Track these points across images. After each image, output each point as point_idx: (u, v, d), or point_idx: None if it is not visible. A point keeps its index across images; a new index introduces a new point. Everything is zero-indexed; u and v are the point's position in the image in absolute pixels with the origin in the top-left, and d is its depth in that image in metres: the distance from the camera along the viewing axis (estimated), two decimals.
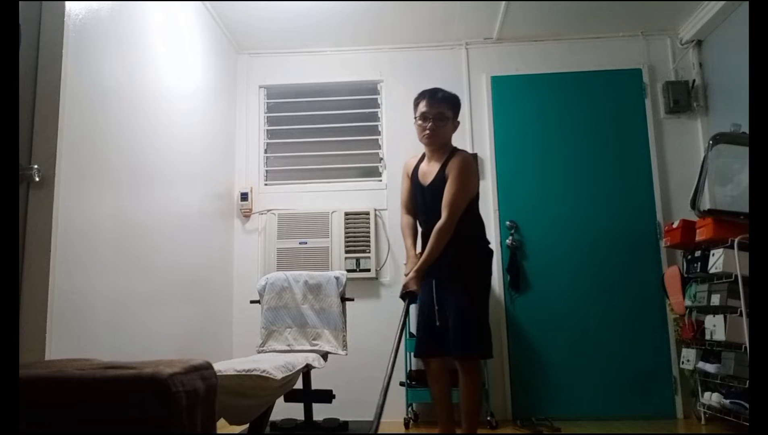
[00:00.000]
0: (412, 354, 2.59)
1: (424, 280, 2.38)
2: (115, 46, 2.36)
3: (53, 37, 1.98)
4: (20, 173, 1.84)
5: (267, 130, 4.04)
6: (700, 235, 3.09)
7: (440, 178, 2.42)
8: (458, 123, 2.55)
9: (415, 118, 2.50)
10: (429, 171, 2.50)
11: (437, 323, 2.38)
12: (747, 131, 3.10)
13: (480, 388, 2.59)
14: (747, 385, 2.78)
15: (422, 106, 2.46)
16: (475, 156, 3.55)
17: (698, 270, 3.10)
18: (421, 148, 2.60)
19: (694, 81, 3.75)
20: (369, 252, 3.70)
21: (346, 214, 3.76)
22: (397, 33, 3.85)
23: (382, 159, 3.90)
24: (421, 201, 2.51)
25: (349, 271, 3.56)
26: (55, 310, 1.87)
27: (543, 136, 3.82)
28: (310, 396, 3.03)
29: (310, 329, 3.06)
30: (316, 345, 3.00)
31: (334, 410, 3.27)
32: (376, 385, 3.52)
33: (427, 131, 2.43)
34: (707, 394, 3.14)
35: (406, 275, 2.40)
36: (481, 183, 3.75)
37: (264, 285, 3.16)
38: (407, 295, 2.35)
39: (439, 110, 2.43)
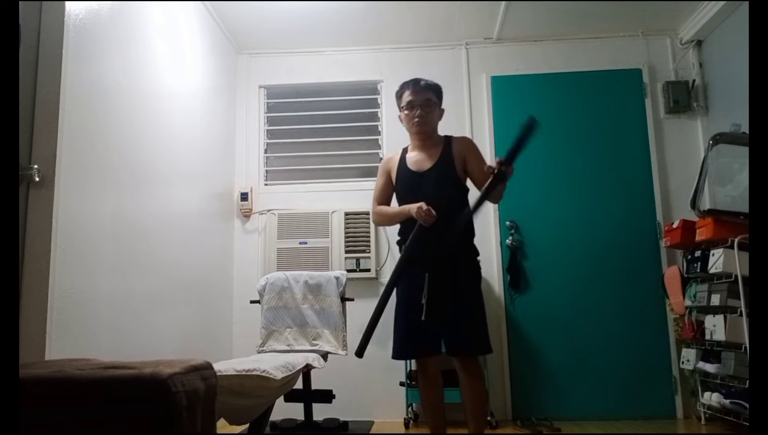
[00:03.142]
0: (394, 356, 2.38)
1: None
2: (115, 46, 2.36)
3: (53, 37, 1.98)
4: (20, 173, 1.84)
5: (267, 130, 4.04)
6: (700, 235, 3.09)
7: (445, 162, 2.39)
8: (443, 110, 2.52)
9: (401, 108, 2.47)
10: (423, 159, 2.43)
11: (422, 319, 2.21)
12: (747, 131, 3.10)
13: (485, 387, 2.56)
14: (747, 385, 2.78)
15: (408, 96, 2.43)
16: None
17: (698, 270, 3.10)
18: None
19: (694, 81, 3.75)
20: (369, 252, 3.70)
21: (346, 214, 3.76)
22: (397, 33, 3.85)
23: (381, 159, 3.89)
24: (415, 188, 2.38)
25: (349, 271, 3.56)
26: (55, 310, 1.87)
27: (543, 136, 3.76)
28: (310, 396, 3.03)
29: (310, 329, 3.06)
30: (316, 345, 3.00)
31: (334, 410, 3.27)
32: (375, 386, 3.56)
33: (417, 118, 2.40)
34: (707, 394, 3.14)
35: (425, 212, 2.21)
36: None
37: (264, 285, 3.17)
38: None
39: (426, 96, 2.42)
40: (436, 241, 2.24)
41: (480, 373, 2.37)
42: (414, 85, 2.44)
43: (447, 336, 2.29)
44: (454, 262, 2.31)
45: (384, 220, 2.54)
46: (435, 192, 2.32)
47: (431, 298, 2.25)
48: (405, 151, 2.53)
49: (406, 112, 2.45)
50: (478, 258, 2.41)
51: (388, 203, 2.55)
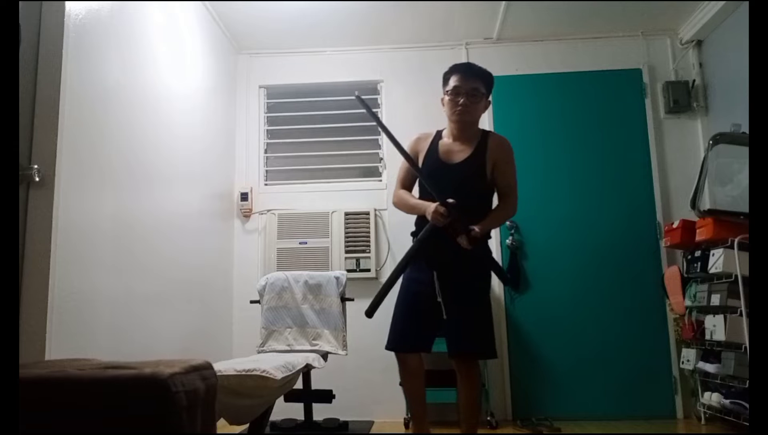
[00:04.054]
0: (387, 347, 2.33)
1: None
2: (115, 46, 2.36)
3: (53, 37, 1.97)
4: (20, 173, 1.84)
5: (267, 130, 4.04)
6: (700, 235, 3.09)
7: (477, 159, 2.28)
8: (490, 102, 2.40)
9: (446, 92, 2.34)
10: (456, 150, 2.33)
11: (443, 317, 2.20)
12: (747, 131, 3.10)
13: (481, 389, 2.54)
14: (747, 385, 2.78)
15: (454, 81, 2.30)
16: None
17: (698, 270, 3.10)
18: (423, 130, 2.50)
19: (694, 81, 3.75)
20: (369, 252, 3.70)
21: (346, 214, 3.76)
22: (397, 33, 3.85)
23: (382, 159, 3.90)
24: (439, 179, 2.27)
25: (349, 271, 3.56)
26: (55, 310, 1.87)
27: (543, 137, 3.82)
28: (310, 396, 3.03)
29: (310, 329, 3.06)
30: (316, 345, 3.00)
31: (334, 410, 3.27)
32: (375, 386, 3.56)
33: (460, 107, 2.28)
34: (707, 394, 3.14)
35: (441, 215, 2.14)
36: None
37: (264, 285, 3.17)
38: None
39: (474, 85, 2.29)
40: (445, 244, 2.20)
41: (478, 374, 2.35)
42: (465, 70, 2.32)
43: (452, 337, 2.23)
44: (465, 261, 2.24)
45: (402, 208, 2.44)
46: (458, 187, 2.21)
47: (445, 297, 2.22)
48: (438, 135, 2.41)
49: (449, 97, 2.32)
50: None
51: (412, 186, 2.45)
